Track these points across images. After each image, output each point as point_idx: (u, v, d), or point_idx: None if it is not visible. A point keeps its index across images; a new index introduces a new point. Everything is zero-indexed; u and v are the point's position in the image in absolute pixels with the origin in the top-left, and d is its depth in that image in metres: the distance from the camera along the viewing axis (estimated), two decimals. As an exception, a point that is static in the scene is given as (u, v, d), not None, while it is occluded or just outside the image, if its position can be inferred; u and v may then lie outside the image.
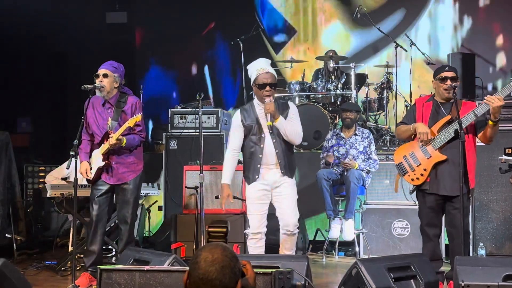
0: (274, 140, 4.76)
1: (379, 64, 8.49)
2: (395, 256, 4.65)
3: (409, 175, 4.79)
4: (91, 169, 5.13)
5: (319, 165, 6.71)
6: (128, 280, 3.61)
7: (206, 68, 10.35)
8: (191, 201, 6.25)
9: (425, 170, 4.71)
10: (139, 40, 10.57)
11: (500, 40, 9.27)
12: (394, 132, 6.16)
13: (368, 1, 9.65)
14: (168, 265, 3.96)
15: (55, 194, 5.88)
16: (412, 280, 4.01)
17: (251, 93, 8.50)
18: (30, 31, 8.93)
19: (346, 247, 6.76)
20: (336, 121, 7.72)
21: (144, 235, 7.30)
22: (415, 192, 4.93)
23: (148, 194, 7.03)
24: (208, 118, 7.31)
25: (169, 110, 7.49)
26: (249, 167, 4.82)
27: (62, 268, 5.73)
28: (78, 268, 5.36)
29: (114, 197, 5.27)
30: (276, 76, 4.85)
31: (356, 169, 6.35)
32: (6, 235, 6.87)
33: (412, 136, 4.84)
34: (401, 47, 8.12)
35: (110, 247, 6.49)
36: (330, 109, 7.85)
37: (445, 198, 4.70)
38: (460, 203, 4.43)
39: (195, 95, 5.73)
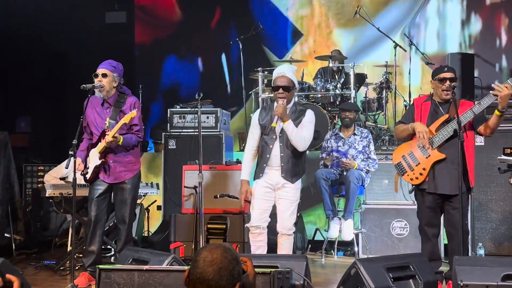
0: (281, 144, 4.91)
1: (378, 64, 8.48)
2: (394, 256, 4.64)
3: (408, 175, 4.79)
4: (85, 166, 5.14)
5: (318, 165, 6.71)
6: (127, 279, 3.60)
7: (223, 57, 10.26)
8: (190, 201, 6.25)
9: (424, 169, 4.71)
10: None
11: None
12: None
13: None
14: (167, 265, 3.96)
15: (54, 193, 5.87)
16: (411, 280, 4.01)
17: (250, 92, 8.53)
18: (29, 30, 8.91)
19: (345, 247, 6.76)
20: (335, 121, 7.72)
21: (143, 234, 7.29)
22: (414, 192, 4.93)
23: (147, 194, 7.02)
24: (207, 117, 7.31)
25: (168, 109, 7.49)
26: (259, 164, 5.02)
27: (61, 268, 5.72)
28: (77, 267, 5.35)
29: (112, 197, 5.27)
30: (294, 81, 4.95)
31: (356, 168, 6.35)
32: (5, 234, 6.87)
33: (411, 136, 4.84)
34: (400, 46, 8.11)
35: (109, 247, 6.49)
36: (329, 109, 7.85)
37: (444, 198, 4.70)
38: (459, 202, 4.43)
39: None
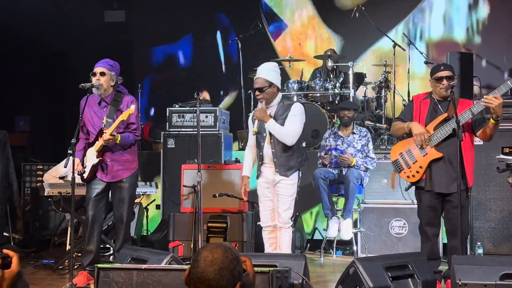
0: (272, 140, 5.00)
1: (378, 63, 8.48)
2: (393, 255, 4.65)
3: (405, 172, 4.79)
4: (83, 166, 5.13)
5: (317, 164, 6.71)
6: (125, 278, 3.61)
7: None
8: (189, 200, 6.25)
9: (420, 167, 4.71)
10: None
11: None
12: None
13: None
14: (165, 264, 3.96)
15: (52, 192, 5.87)
16: (409, 279, 4.01)
17: (249, 92, 8.52)
18: (28, 30, 8.90)
19: (344, 246, 6.76)
20: (334, 120, 7.72)
21: (142, 233, 7.29)
22: (414, 192, 4.93)
23: (146, 193, 7.01)
24: (206, 117, 7.31)
25: (167, 108, 7.48)
26: (257, 163, 5.18)
27: (60, 267, 5.72)
28: (75, 266, 5.36)
29: (110, 196, 5.27)
30: (271, 79, 4.97)
31: (354, 165, 6.35)
32: (4, 233, 6.88)
33: (408, 134, 4.84)
34: (399, 46, 8.11)
35: (107, 246, 6.48)
36: (328, 108, 7.85)
37: (442, 196, 4.70)
38: (457, 201, 4.43)
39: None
